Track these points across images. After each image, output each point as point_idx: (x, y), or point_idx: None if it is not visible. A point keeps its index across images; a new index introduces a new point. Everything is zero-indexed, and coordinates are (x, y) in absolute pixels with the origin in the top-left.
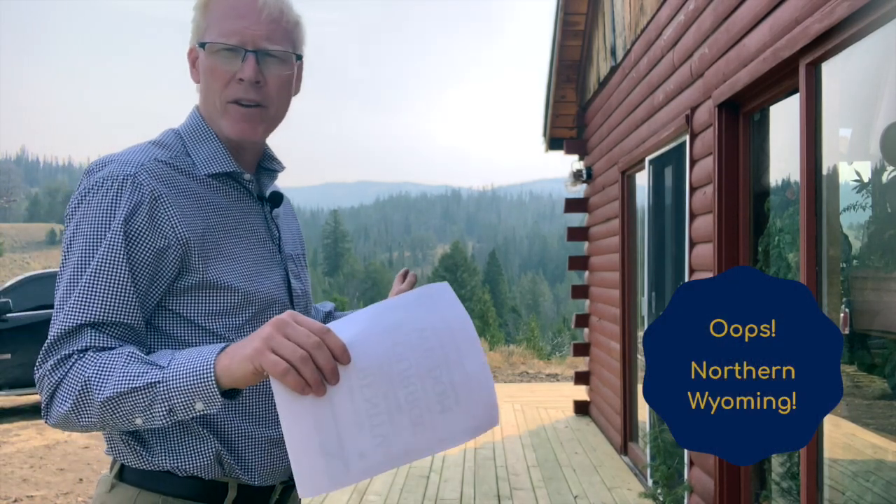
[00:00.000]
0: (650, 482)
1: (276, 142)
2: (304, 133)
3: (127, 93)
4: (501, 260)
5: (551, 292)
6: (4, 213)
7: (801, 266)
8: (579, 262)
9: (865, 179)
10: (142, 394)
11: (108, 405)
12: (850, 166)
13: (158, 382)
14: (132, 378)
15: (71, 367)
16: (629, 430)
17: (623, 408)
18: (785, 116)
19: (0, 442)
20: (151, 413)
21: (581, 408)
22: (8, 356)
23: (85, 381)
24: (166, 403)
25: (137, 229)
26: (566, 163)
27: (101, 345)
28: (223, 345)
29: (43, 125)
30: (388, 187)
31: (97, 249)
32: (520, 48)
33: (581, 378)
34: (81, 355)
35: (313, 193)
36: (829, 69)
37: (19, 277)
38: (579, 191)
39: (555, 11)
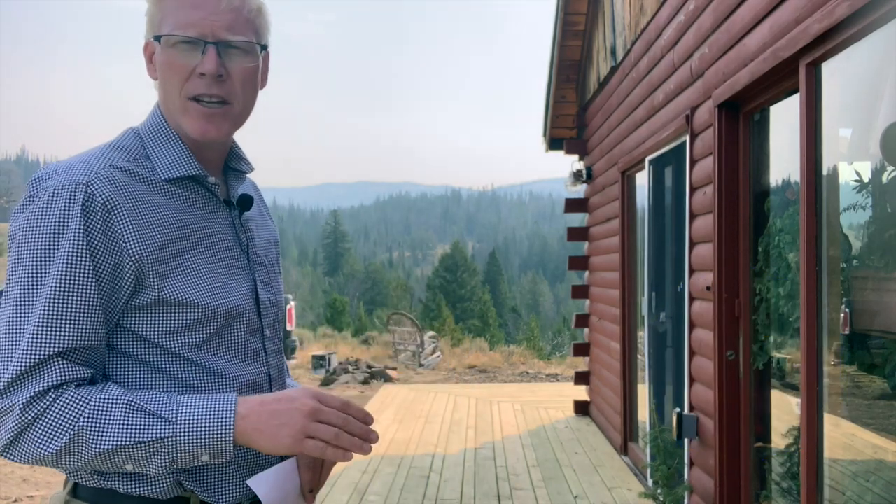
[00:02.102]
0: (650, 482)
1: (277, 142)
2: (304, 133)
3: (127, 93)
4: (501, 260)
5: (551, 292)
6: (4, 213)
7: (801, 266)
8: (579, 262)
9: (865, 179)
10: (146, 447)
11: (105, 456)
12: (850, 166)
13: (167, 438)
14: (137, 431)
15: (48, 406)
16: (629, 430)
17: (623, 408)
18: (785, 116)
19: None
20: (150, 463)
21: (581, 408)
22: None
23: (76, 427)
24: (170, 456)
25: (92, 243)
26: (566, 163)
27: (74, 376)
28: (233, 399)
29: (43, 125)
30: (388, 187)
31: (51, 266)
32: (520, 48)
33: (581, 378)
34: (59, 392)
35: (313, 193)
36: (829, 69)
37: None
38: (579, 191)
39: (555, 11)
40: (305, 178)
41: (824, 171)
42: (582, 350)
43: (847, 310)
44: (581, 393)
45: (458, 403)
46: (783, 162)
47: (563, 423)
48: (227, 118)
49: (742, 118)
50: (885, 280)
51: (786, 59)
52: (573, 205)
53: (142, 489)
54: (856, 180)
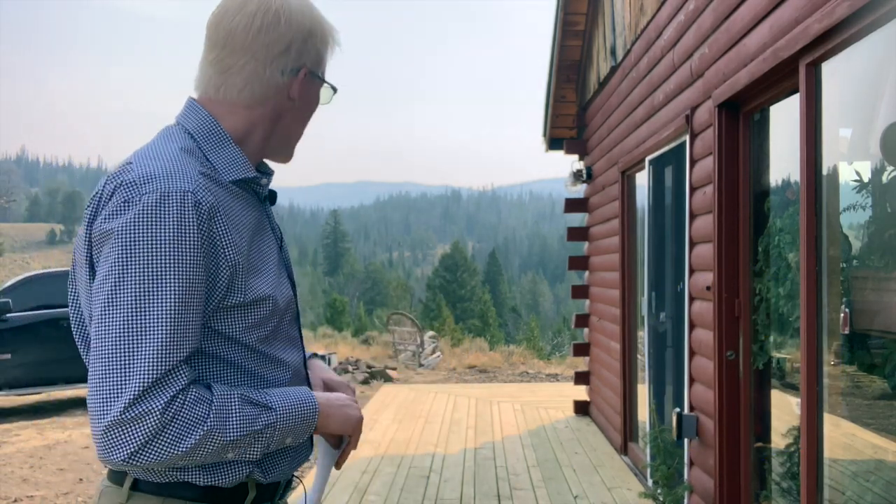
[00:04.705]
0: (650, 482)
1: None
2: (304, 133)
3: (127, 93)
4: (501, 260)
5: (551, 292)
6: (4, 213)
7: (801, 266)
8: (579, 262)
9: (865, 179)
10: (255, 435)
11: (225, 446)
12: (850, 166)
13: (272, 424)
14: (251, 421)
15: (181, 406)
16: (629, 430)
17: (623, 408)
18: (785, 116)
19: (0, 442)
20: (251, 450)
21: (581, 408)
22: (8, 356)
23: (207, 423)
24: (268, 441)
25: (205, 251)
26: (566, 163)
27: (192, 377)
28: (305, 388)
29: (43, 125)
30: (388, 187)
31: (171, 273)
32: (520, 48)
33: (581, 378)
34: (186, 393)
35: (313, 193)
36: (829, 69)
37: (19, 277)
38: (579, 191)
39: (555, 11)
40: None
41: (824, 171)
42: (582, 350)
43: (847, 310)
44: (581, 393)
45: (458, 403)
46: (783, 162)
47: (563, 423)
48: None
49: (742, 118)
50: (885, 280)
51: (786, 59)
52: (573, 205)
53: (216, 479)
54: (856, 180)
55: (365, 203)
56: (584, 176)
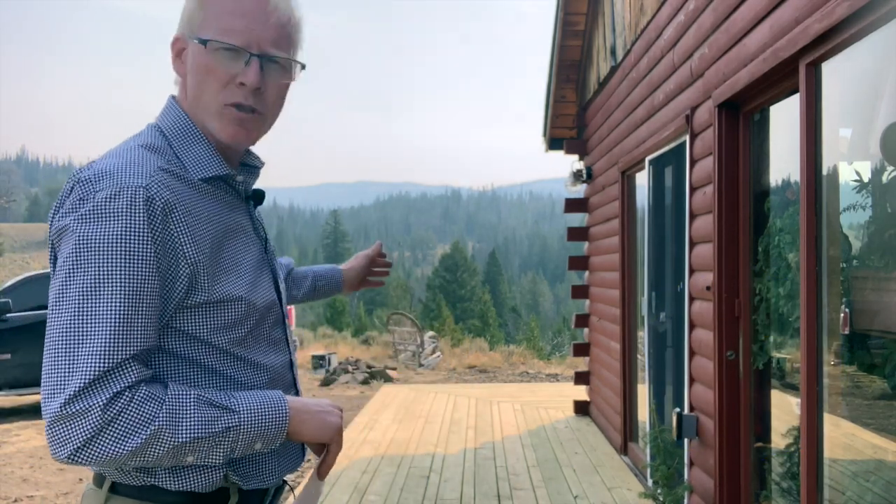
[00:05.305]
0: (650, 482)
1: (276, 142)
2: (304, 133)
3: (127, 93)
4: (501, 260)
5: (551, 292)
6: (4, 213)
7: (801, 266)
8: (579, 262)
9: (865, 179)
10: (214, 438)
11: (178, 449)
12: (850, 166)
13: (233, 428)
14: (208, 423)
15: (126, 404)
16: (629, 430)
17: (623, 408)
18: (785, 116)
19: (0, 442)
20: (212, 454)
21: (581, 408)
22: (8, 356)
23: (155, 423)
24: (232, 445)
25: (157, 247)
26: (566, 163)
27: (144, 376)
28: (278, 392)
29: (43, 125)
30: (388, 187)
31: (119, 270)
32: (520, 48)
33: (581, 378)
34: (134, 391)
35: (313, 193)
36: (829, 69)
37: (19, 277)
38: (579, 191)
39: (555, 11)
40: (305, 178)
41: (824, 171)
42: (582, 350)
43: (847, 310)
44: (581, 393)
45: (458, 403)
46: (783, 162)
47: (563, 423)
48: (257, 126)
49: (742, 118)
50: (885, 280)
51: (786, 59)
52: (573, 205)
53: (188, 484)
54: (856, 180)
55: (365, 203)
56: (584, 176)
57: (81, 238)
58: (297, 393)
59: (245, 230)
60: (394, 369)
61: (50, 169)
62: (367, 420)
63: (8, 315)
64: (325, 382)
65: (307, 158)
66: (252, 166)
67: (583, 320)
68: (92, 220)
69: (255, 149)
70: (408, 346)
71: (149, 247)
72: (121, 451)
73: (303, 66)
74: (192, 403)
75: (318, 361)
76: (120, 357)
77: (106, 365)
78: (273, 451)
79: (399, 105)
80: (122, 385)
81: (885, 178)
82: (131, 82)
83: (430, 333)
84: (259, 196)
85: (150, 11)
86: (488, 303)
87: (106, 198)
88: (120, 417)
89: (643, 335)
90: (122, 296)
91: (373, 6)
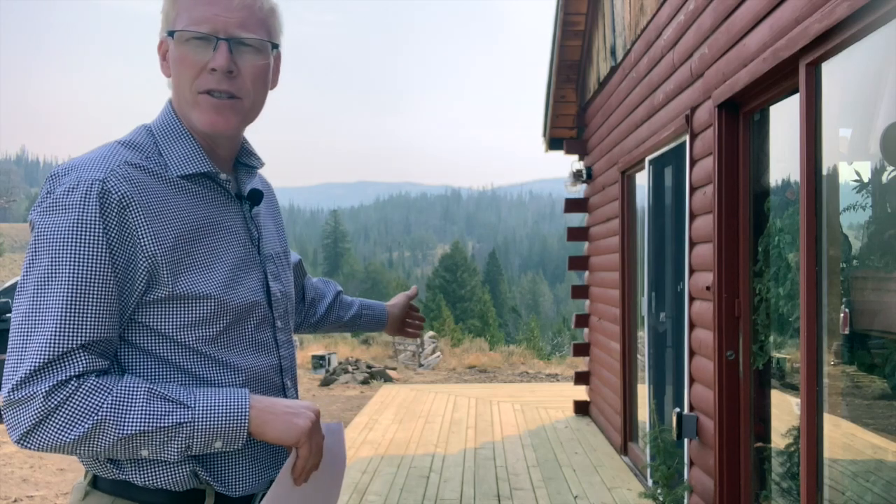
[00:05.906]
0: (650, 482)
1: (276, 142)
2: (304, 133)
3: (127, 93)
4: (501, 260)
5: (551, 292)
6: (4, 213)
7: (801, 266)
8: (579, 262)
9: (865, 179)
10: (164, 432)
11: (125, 441)
12: (850, 166)
13: (185, 423)
14: (157, 417)
15: (71, 394)
16: (629, 430)
17: (623, 408)
18: (785, 116)
19: (0, 442)
20: (166, 449)
21: (581, 408)
22: None
23: (99, 413)
24: (186, 442)
25: (110, 239)
26: (566, 163)
27: (95, 367)
28: (246, 391)
29: (43, 125)
30: (388, 187)
31: (70, 261)
32: (520, 48)
33: (581, 378)
34: (81, 381)
35: (313, 193)
36: (829, 69)
37: (19, 277)
38: (579, 191)
39: (555, 11)
40: (305, 178)
41: (824, 171)
42: (582, 350)
43: (847, 310)
44: (581, 393)
45: (458, 403)
46: (783, 162)
47: (562, 423)
48: (236, 111)
49: (742, 118)
50: (885, 280)
51: (786, 59)
52: (573, 205)
53: (159, 481)
54: (856, 180)
55: (365, 203)
56: (584, 176)
57: (40, 230)
58: (294, 397)
59: (228, 228)
60: (394, 369)
61: (50, 169)
62: (366, 420)
63: (8, 315)
64: (325, 382)
65: (307, 158)
66: (250, 166)
67: (583, 320)
68: (50, 213)
69: (255, 149)
70: (408, 347)
71: (100, 238)
72: (65, 438)
73: (275, 46)
74: (142, 397)
75: (318, 361)
76: (67, 346)
77: (52, 354)
78: (254, 456)
79: (399, 105)
80: (68, 374)
81: (885, 178)
82: (132, 82)
83: (430, 333)
84: (256, 196)
85: (150, 11)
86: (488, 303)
87: (64, 192)
88: (64, 406)
89: (643, 335)
90: (70, 285)
91: (372, 6)
